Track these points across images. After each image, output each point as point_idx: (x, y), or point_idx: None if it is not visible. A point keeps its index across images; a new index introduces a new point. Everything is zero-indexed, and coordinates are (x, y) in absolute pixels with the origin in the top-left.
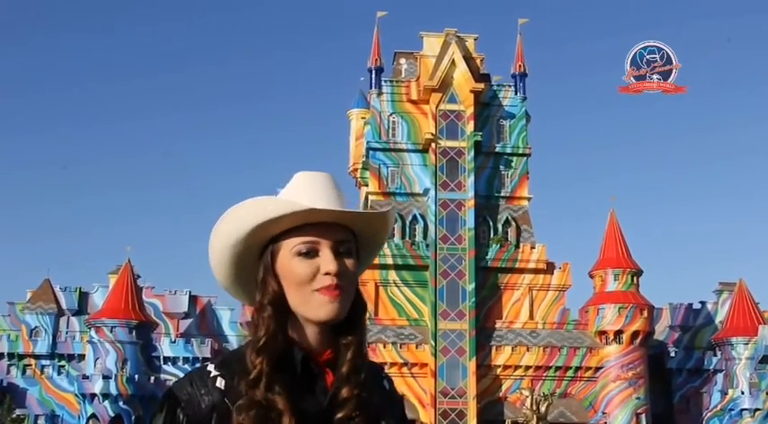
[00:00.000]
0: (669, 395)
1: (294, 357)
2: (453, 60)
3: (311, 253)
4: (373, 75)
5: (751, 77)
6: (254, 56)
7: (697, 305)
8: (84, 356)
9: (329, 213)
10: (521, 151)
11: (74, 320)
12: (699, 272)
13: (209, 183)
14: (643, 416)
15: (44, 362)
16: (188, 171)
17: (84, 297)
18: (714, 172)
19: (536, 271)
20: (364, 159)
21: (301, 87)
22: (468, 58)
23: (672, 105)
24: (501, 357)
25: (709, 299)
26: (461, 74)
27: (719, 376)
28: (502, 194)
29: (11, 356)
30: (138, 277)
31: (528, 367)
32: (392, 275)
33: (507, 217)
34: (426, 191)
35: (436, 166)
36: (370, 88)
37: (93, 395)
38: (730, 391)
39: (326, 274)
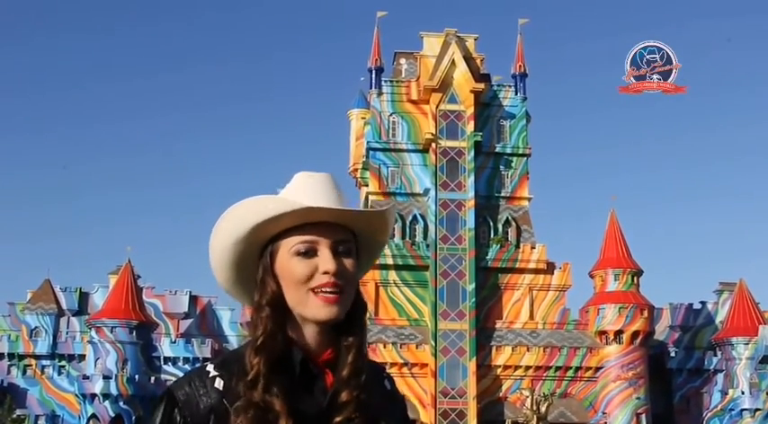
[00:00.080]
0: (669, 395)
1: (293, 358)
2: (453, 60)
3: (310, 253)
4: (373, 75)
5: (751, 77)
6: (255, 56)
7: (697, 305)
8: (84, 356)
9: (328, 212)
10: (521, 151)
11: (74, 320)
12: (699, 272)
13: (209, 183)
14: (643, 416)
15: (44, 362)
16: (188, 171)
17: (84, 297)
18: (714, 172)
19: (536, 271)
20: (364, 159)
21: (301, 87)
22: (468, 58)
23: (672, 105)
24: (501, 358)
25: (709, 299)
26: (461, 74)
27: (720, 376)
28: (502, 194)
29: (11, 356)
30: (139, 277)
31: (528, 367)
32: (392, 275)
33: (507, 217)
34: (426, 191)
35: (436, 166)
36: (371, 88)
37: (94, 395)
38: (730, 391)
39: (325, 273)
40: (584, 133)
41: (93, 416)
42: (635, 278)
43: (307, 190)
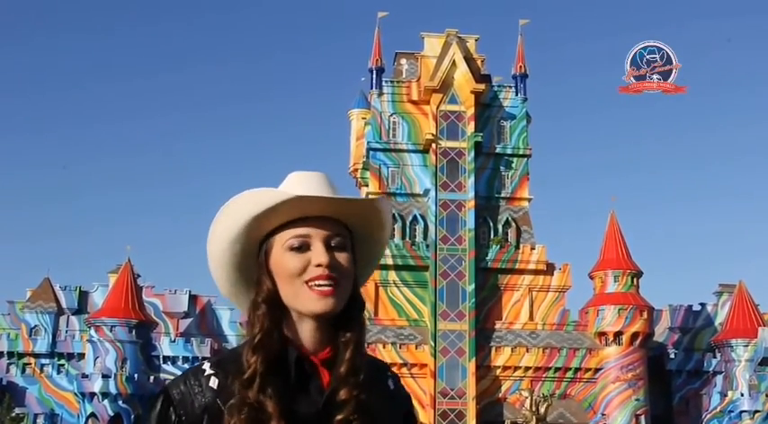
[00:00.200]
0: (669, 397)
1: (288, 357)
2: (454, 61)
3: (303, 247)
4: (374, 76)
5: (751, 77)
6: (255, 56)
7: (697, 307)
8: (83, 355)
9: (321, 206)
10: (521, 152)
11: (73, 319)
12: (699, 274)
13: (209, 183)
14: (642, 417)
15: (44, 361)
16: (188, 171)
17: (83, 296)
18: (714, 173)
19: (536, 272)
20: (365, 159)
21: (301, 87)
22: (468, 59)
23: (672, 105)
24: (500, 358)
25: (708, 301)
26: (462, 74)
27: (719, 378)
28: (502, 195)
29: (10, 354)
30: (138, 276)
31: (527, 368)
32: (392, 275)
33: (507, 218)
34: (426, 192)
35: (436, 167)
36: (371, 88)
37: (93, 394)
38: (730, 392)
39: (318, 266)
40: (585, 133)
41: (92, 415)
42: (634, 280)
43: (301, 185)
